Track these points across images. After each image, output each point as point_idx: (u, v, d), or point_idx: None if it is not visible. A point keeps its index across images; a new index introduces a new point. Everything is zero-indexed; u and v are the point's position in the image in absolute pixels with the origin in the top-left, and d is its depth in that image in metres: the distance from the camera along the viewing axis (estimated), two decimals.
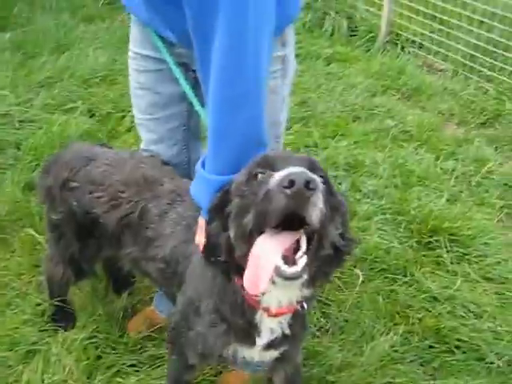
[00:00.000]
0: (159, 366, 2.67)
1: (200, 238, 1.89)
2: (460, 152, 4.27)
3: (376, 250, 3.28)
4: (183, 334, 2.11)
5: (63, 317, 2.86)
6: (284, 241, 1.52)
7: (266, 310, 1.81)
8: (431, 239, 3.40)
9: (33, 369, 2.63)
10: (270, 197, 1.45)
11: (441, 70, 5.43)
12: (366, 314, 2.94)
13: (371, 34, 5.81)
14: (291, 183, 1.40)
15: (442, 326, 2.87)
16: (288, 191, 1.40)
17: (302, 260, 1.52)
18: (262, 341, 1.94)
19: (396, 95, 5.00)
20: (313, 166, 1.60)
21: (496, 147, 4.37)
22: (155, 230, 2.20)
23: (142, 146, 2.49)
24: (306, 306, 1.88)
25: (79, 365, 2.64)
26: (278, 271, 1.49)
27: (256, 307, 1.83)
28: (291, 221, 1.47)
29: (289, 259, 1.51)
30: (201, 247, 1.86)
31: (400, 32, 5.78)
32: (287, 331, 1.93)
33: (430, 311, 2.96)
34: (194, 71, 2.20)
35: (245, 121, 1.77)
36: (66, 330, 2.81)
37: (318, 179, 1.46)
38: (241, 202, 1.61)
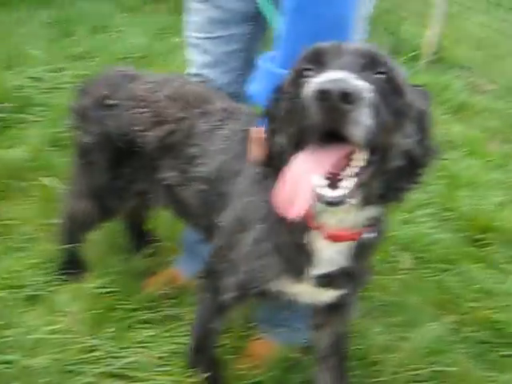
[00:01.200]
0: (175, 327, 2.35)
1: (254, 149, 1.62)
2: (506, 164, 3.99)
3: (422, 239, 2.99)
4: (225, 258, 1.80)
5: (74, 266, 2.57)
6: (327, 157, 1.23)
7: (323, 230, 1.51)
8: (482, 236, 3.12)
9: (34, 313, 2.33)
10: (304, 108, 1.18)
11: (486, 91, 5.21)
12: (412, 300, 2.62)
13: (415, 52, 5.62)
14: (324, 95, 1.12)
15: (497, 319, 2.56)
16: (321, 104, 1.13)
17: (347, 182, 1.24)
18: (316, 271, 1.63)
19: (440, 109, 4.75)
20: (372, 61, 1.30)
21: None
22: (202, 147, 1.95)
23: (193, 69, 2.25)
24: (373, 233, 1.59)
25: (87, 314, 2.33)
26: (317, 194, 1.21)
27: (311, 225, 1.53)
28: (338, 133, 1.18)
29: (332, 179, 1.23)
30: (255, 158, 1.59)
31: (445, 53, 5.59)
32: (347, 264, 1.62)
33: (483, 303, 2.64)
34: None
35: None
36: (75, 280, 2.50)
37: (365, 87, 1.17)
38: (285, 105, 1.35)
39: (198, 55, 2.21)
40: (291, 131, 1.30)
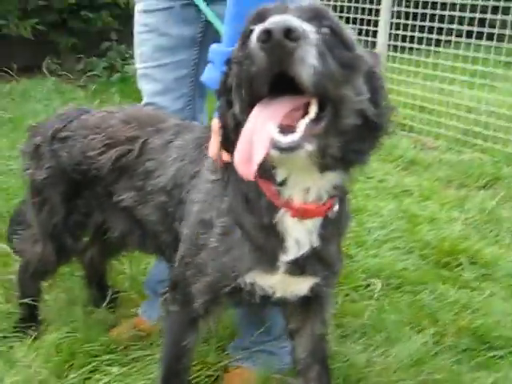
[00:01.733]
0: (143, 367, 2.21)
1: (213, 144, 1.60)
2: (463, 204, 4.02)
3: (391, 266, 2.95)
4: (190, 264, 1.72)
5: (32, 320, 2.42)
6: (281, 107, 1.23)
7: (289, 206, 1.48)
8: (449, 259, 3.10)
9: None
10: (251, 56, 1.18)
11: (432, 147, 5.36)
12: (389, 321, 2.54)
13: None
14: (267, 34, 1.12)
15: (477, 326, 2.49)
16: (265, 45, 1.13)
17: (300, 127, 1.23)
18: (288, 255, 1.57)
19: (392, 165, 4.84)
20: (317, 15, 1.30)
21: (497, 202, 4.10)
22: (157, 160, 1.92)
23: (145, 99, 2.26)
24: (337, 206, 1.56)
25: (48, 364, 2.18)
26: (272, 142, 1.20)
27: (276, 203, 1.49)
28: (289, 85, 1.19)
29: (285, 128, 1.22)
30: (214, 152, 1.58)
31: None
32: (317, 243, 1.56)
33: (461, 315, 2.58)
34: None
35: None
36: (33, 336, 2.35)
37: (310, 28, 1.18)
38: (237, 69, 1.33)
39: (148, 84, 2.23)
40: (244, 92, 1.28)
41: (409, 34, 5.82)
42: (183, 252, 1.77)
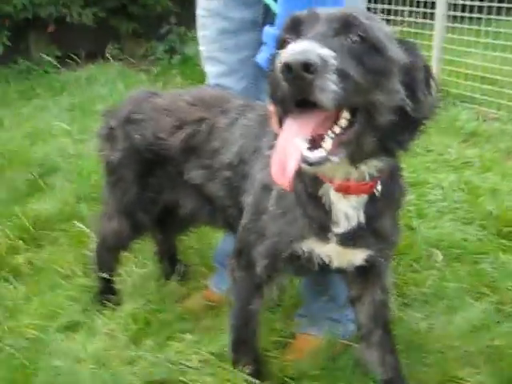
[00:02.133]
0: (214, 335, 2.34)
1: (272, 121, 1.70)
2: None
3: (452, 237, 2.99)
4: (252, 229, 1.85)
5: (110, 293, 2.59)
6: (310, 120, 1.33)
7: (333, 182, 1.58)
8: (510, 228, 3.10)
9: (76, 338, 2.35)
10: (276, 82, 1.29)
11: (493, 119, 5.29)
12: (449, 289, 2.60)
13: None
14: (287, 68, 1.22)
15: None
16: (287, 77, 1.23)
17: (326, 143, 1.32)
18: (338, 229, 1.67)
19: (452, 137, 4.82)
20: (345, 25, 1.36)
21: None
22: (222, 139, 2.05)
23: (210, 80, 2.37)
24: (379, 187, 1.63)
25: (127, 332, 2.35)
26: (301, 157, 1.30)
27: (323, 178, 1.60)
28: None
29: (314, 142, 1.32)
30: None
31: (450, 89, 5.73)
32: (362, 219, 1.66)
33: None
34: None
35: None
36: (111, 307, 2.53)
37: (328, 54, 1.24)
38: (269, 81, 1.44)
39: (212, 66, 2.33)
40: (277, 101, 1.39)
41: (468, 2, 5.72)
42: (247, 219, 1.90)
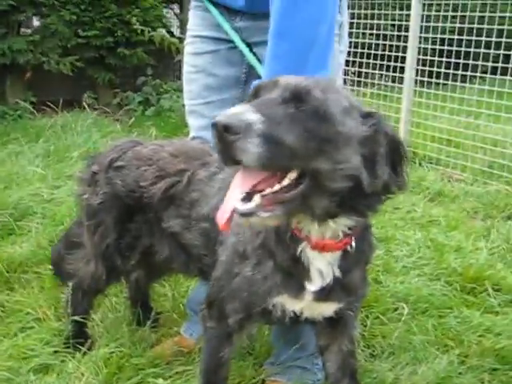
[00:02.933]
0: (186, 380, 2.38)
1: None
2: (489, 234, 4.13)
3: (418, 292, 3.09)
4: (225, 286, 1.92)
5: (82, 337, 2.60)
6: (253, 176, 1.45)
7: (308, 240, 1.66)
8: (475, 285, 3.23)
9: (47, 380, 2.36)
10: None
11: (458, 180, 5.50)
12: (416, 341, 2.68)
13: None
14: (213, 127, 1.35)
15: (501, 346, 2.61)
16: (214, 135, 1.37)
17: (256, 198, 1.43)
18: (312, 286, 1.75)
19: (419, 196, 4.99)
20: (296, 95, 1.45)
21: None
22: (201, 190, 2.12)
23: (192, 133, 2.45)
24: (353, 243, 1.71)
25: (98, 376, 2.36)
26: (235, 207, 1.43)
27: (298, 235, 1.68)
28: None
29: (249, 196, 1.43)
30: None
31: (416, 150, 5.95)
32: (338, 274, 1.74)
33: (486, 337, 2.70)
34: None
35: (303, 21, 1.78)
36: (83, 351, 2.54)
37: (254, 119, 1.35)
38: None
39: (195, 120, 2.42)
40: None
41: (435, 69, 6.01)
42: (219, 275, 1.95)
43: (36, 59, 7.69)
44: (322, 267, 1.72)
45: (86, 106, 7.03)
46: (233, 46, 2.26)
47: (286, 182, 1.44)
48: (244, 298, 1.85)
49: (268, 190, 1.43)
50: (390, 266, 3.45)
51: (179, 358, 2.55)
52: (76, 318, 2.58)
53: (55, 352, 2.56)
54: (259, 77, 2.02)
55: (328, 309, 1.86)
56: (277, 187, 1.44)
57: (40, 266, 3.28)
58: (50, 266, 3.13)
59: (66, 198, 4.31)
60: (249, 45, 2.21)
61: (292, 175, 1.44)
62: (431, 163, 5.78)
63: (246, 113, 1.36)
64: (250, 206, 1.42)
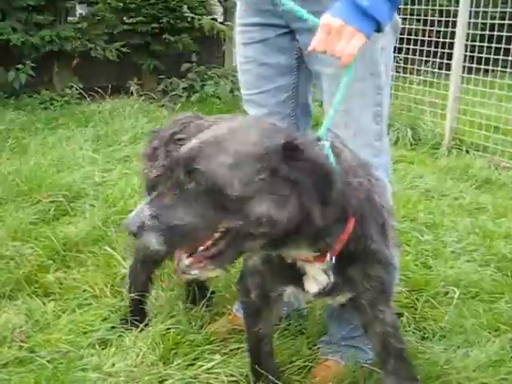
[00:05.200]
0: (241, 357, 2.43)
1: None
2: None
3: (468, 276, 3.09)
4: (246, 263, 2.05)
5: (139, 315, 2.68)
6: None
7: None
8: None
9: (104, 353, 2.44)
10: None
11: (505, 167, 5.43)
12: (467, 325, 2.69)
13: (436, 140, 5.94)
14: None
15: None
16: None
17: (186, 260, 1.57)
18: (312, 289, 1.82)
19: (466, 184, 4.96)
20: (186, 171, 1.51)
21: None
22: None
23: None
24: (329, 257, 1.70)
25: (155, 350, 2.43)
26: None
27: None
28: None
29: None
30: None
31: (463, 138, 5.89)
32: (332, 279, 1.78)
33: None
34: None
35: None
36: (141, 327, 2.61)
37: (147, 216, 1.48)
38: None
39: (253, 109, 2.45)
40: None
41: (484, 55, 5.93)
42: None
43: (83, 46, 7.83)
44: (315, 274, 1.79)
45: (134, 92, 7.14)
46: (280, 32, 2.27)
47: (209, 242, 1.54)
48: (257, 277, 1.99)
49: (199, 249, 1.56)
50: (440, 251, 3.45)
51: (233, 335, 2.60)
52: (133, 295, 2.65)
53: (113, 328, 2.64)
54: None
55: (336, 300, 1.93)
56: (202, 248, 1.56)
57: (95, 245, 3.38)
58: (104, 246, 3.25)
59: (117, 181, 4.42)
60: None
61: (215, 235, 1.54)
62: (478, 150, 5.73)
63: (141, 213, 1.49)
64: (183, 265, 1.58)
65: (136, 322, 2.63)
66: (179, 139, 2.31)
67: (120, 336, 2.57)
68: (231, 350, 2.50)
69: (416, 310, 2.84)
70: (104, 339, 2.57)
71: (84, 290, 2.93)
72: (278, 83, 2.37)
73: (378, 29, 1.81)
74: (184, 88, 8.10)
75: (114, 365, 2.37)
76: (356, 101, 2.13)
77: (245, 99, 2.48)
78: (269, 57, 2.34)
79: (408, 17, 6.56)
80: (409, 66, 6.74)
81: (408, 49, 6.66)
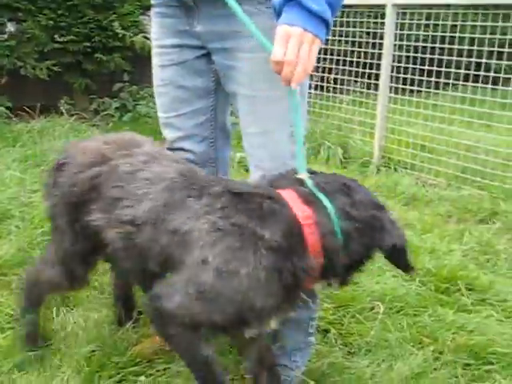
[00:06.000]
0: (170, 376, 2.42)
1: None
2: (462, 237, 4.23)
3: (394, 291, 3.17)
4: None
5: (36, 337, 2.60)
6: None
7: None
8: (448, 285, 3.32)
9: (29, 378, 2.38)
10: None
11: (432, 184, 5.61)
12: (392, 339, 2.75)
13: (365, 158, 6.08)
14: None
15: (474, 342, 2.71)
16: None
17: None
18: None
19: (394, 200, 5.08)
20: None
21: (494, 234, 4.32)
22: (123, 189, 2.00)
23: (168, 145, 2.44)
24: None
25: (79, 373, 2.39)
26: None
27: None
28: None
29: None
30: None
31: (391, 156, 6.06)
32: None
33: (459, 334, 2.79)
34: None
35: None
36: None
37: None
38: None
39: (170, 132, 2.42)
40: None
41: (409, 76, 6.13)
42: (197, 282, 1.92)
43: (12, 64, 7.65)
44: None
45: (64, 112, 7.02)
46: (198, 54, 2.27)
47: None
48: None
49: None
50: (366, 267, 3.51)
51: (160, 356, 2.58)
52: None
53: (35, 350, 2.56)
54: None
55: None
56: None
57: (19, 267, 3.28)
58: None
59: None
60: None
61: None
62: (406, 168, 5.88)
63: None
64: None
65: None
66: (62, 164, 2.20)
67: (42, 359, 2.51)
68: (157, 371, 2.48)
69: (342, 325, 2.89)
70: (28, 362, 2.49)
71: (6, 314, 2.84)
72: (195, 106, 2.36)
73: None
74: (116, 108, 8.01)
75: None
76: (272, 122, 2.14)
77: (162, 122, 2.44)
78: (186, 79, 2.32)
79: (337, 38, 6.72)
80: (338, 85, 6.89)
81: (337, 69, 6.81)
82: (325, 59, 6.83)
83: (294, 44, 1.74)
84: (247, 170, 5.03)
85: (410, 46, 6.21)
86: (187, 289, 1.78)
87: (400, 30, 6.06)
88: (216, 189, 1.87)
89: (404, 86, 6.22)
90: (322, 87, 6.99)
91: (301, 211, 1.78)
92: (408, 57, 6.25)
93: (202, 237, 1.78)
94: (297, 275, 1.77)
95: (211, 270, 1.75)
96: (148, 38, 8.39)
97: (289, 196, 1.82)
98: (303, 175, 1.88)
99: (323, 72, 6.93)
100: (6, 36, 8.19)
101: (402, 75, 6.14)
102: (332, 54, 6.77)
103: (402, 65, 6.16)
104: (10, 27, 8.44)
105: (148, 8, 8.75)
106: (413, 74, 6.13)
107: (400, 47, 6.26)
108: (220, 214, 1.80)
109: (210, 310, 1.78)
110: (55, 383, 2.34)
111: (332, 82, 6.94)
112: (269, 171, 2.16)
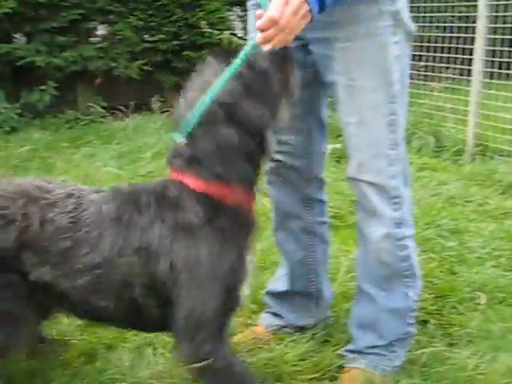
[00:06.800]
0: None
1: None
2: None
3: (494, 282, 3.07)
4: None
5: None
6: None
7: None
8: None
9: None
10: None
11: None
12: (495, 330, 2.66)
13: (458, 147, 5.89)
14: None
15: None
16: None
17: None
18: None
19: (490, 189, 4.91)
20: None
21: None
22: (73, 238, 1.88)
23: None
24: None
25: None
26: None
27: None
28: None
29: None
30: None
31: (487, 143, 5.85)
32: None
33: None
34: None
35: None
36: None
37: None
38: None
39: None
40: None
41: (505, 60, 5.90)
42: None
43: (105, 65, 7.95)
44: None
45: (156, 109, 7.22)
46: (295, 45, 2.15)
47: None
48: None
49: None
50: (464, 257, 3.43)
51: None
52: None
53: None
54: None
55: None
56: None
57: None
58: None
59: None
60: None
61: None
62: (502, 155, 5.66)
63: None
64: None
65: None
66: None
67: None
68: None
69: (442, 316, 2.82)
70: None
71: None
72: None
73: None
74: None
75: None
76: (368, 111, 2.13)
77: None
78: None
79: (427, 24, 6.55)
80: (429, 73, 6.71)
81: (428, 56, 6.64)
82: (414, 46, 6.66)
83: (290, 12, 1.73)
84: (338, 161, 5.14)
85: (505, 28, 5.96)
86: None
87: (494, 11, 5.82)
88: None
89: (499, 71, 5.98)
90: (411, 75, 6.80)
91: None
92: (503, 40, 6.00)
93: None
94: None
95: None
96: (234, 35, 8.51)
97: None
98: None
99: (412, 60, 6.76)
100: (98, 39, 8.54)
101: (497, 59, 5.90)
102: (422, 41, 6.59)
103: (497, 48, 5.92)
104: (101, 30, 8.79)
105: (234, 4, 8.96)
106: (509, 57, 5.88)
107: (494, 29, 6.01)
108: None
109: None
110: None
111: (423, 69, 6.76)
112: (366, 160, 2.15)
